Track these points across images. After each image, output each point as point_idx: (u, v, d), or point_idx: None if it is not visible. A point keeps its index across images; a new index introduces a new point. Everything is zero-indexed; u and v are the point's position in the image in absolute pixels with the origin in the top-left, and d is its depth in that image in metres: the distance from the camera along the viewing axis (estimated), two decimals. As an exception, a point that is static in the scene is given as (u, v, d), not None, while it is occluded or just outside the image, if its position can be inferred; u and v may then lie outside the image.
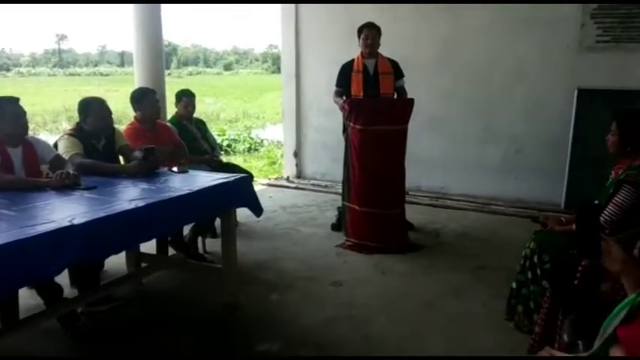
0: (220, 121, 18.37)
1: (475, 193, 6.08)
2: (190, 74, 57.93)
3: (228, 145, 11.79)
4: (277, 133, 13.58)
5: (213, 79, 51.25)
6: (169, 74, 55.21)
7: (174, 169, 3.61)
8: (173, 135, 4.43)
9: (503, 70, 5.88)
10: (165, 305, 3.57)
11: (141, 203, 2.75)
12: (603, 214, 2.89)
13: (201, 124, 5.11)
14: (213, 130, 14.03)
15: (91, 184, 3.08)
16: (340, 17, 6.56)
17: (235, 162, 10.11)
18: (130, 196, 2.95)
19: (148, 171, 3.43)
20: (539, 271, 3.04)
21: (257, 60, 77.76)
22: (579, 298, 2.44)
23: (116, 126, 3.92)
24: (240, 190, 3.44)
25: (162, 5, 5.45)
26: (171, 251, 4.18)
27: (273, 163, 9.62)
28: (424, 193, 6.20)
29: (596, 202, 3.14)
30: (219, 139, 11.98)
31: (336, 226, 5.02)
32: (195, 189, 3.11)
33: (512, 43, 5.80)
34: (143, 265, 3.84)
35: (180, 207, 2.97)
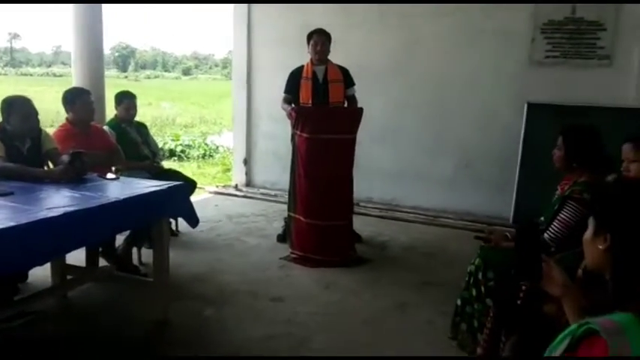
0: (176, 126, 18.03)
1: (426, 206, 6.01)
2: (148, 78, 56.86)
3: (182, 151, 11.53)
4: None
5: (171, 83, 50.45)
6: (126, 77, 54.10)
7: (110, 175, 3.37)
8: (108, 139, 4.18)
9: (456, 82, 5.85)
10: (89, 321, 3.30)
11: (57, 212, 2.52)
12: (548, 232, 2.82)
13: (142, 128, 4.87)
14: (168, 135, 13.85)
15: (8, 189, 2.84)
16: (294, 22, 6.41)
17: (189, 168, 9.90)
18: (48, 203, 2.72)
19: (73, 177, 3.18)
20: (483, 289, 2.93)
21: (217, 66, 76.86)
22: (521, 319, 2.34)
23: (46, 128, 3.66)
24: (174, 199, 3.23)
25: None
26: (103, 262, 3.93)
27: (228, 170, 9.39)
28: (375, 204, 6.09)
29: (542, 218, 3.07)
30: (172, 145, 11.73)
31: (281, 237, 4.85)
32: (123, 197, 2.90)
33: (465, 54, 5.77)
34: (69, 277, 3.57)
35: (105, 216, 2.74)
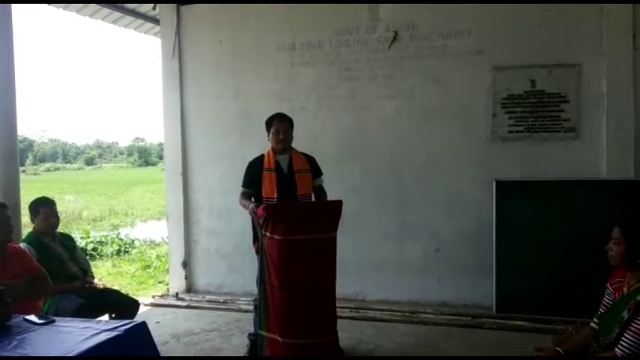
0: (83, 221, 16.49)
1: (396, 298, 5.41)
2: (48, 170, 53.46)
3: (94, 249, 10.29)
4: (150, 232, 12.33)
5: (73, 174, 47.65)
6: (24, 171, 50.65)
7: (36, 318, 2.49)
8: (30, 261, 3.28)
9: (415, 163, 5.44)
10: None
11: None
12: (621, 345, 2.29)
13: (68, 241, 4.02)
14: (75, 231, 12.46)
15: None
16: (231, 108, 5.89)
17: (103, 268, 8.73)
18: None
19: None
20: None
21: (122, 153, 74.09)
22: None
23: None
24: (134, 346, 2.40)
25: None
26: None
27: (148, 266, 8.40)
28: (339, 302, 5.34)
29: (596, 326, 2.56)
30: (82, 243, 10.47)
31: (249, 360, 4.03)
32: (71, 354, 2.06)
33: (422, 134, 5.41)
34: None
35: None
